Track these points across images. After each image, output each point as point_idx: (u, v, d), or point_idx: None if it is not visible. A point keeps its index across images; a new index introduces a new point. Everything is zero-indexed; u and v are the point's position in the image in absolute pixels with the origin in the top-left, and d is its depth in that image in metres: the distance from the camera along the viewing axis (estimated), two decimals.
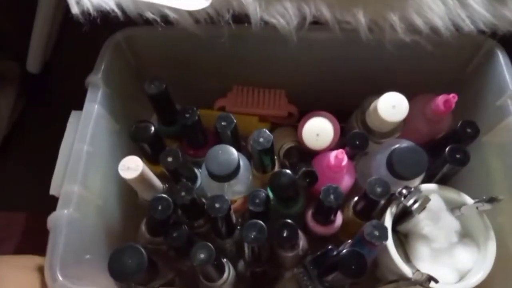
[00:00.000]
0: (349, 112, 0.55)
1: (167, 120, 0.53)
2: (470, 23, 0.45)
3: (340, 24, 0.46)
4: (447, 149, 0.45)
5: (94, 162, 0.46)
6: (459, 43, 0.47)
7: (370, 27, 0.46)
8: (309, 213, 0.49)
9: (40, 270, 0.43)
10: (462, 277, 0.45)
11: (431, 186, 0.47)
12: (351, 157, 0.50)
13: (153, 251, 0.48)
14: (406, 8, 0.45)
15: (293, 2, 0.45)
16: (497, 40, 0.48)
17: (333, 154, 0.46)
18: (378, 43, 0.47)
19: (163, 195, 0.43)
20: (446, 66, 0.53)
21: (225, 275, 0.47)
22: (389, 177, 0.45)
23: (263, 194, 0.44)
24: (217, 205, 0.43)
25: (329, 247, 0.47)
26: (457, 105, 0.46)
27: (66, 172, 0.44)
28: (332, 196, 0.43)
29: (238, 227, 0.49)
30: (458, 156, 0.45)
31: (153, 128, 0.47)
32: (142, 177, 0.44)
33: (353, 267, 0.39)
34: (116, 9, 0.44)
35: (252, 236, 0.41)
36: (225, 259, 0.48)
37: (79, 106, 0.48)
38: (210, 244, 0.41)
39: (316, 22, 0.47)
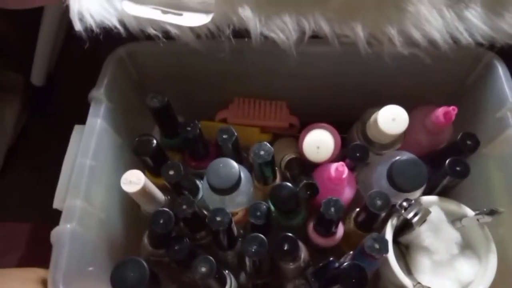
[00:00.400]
0: (350, 123, 0.56)
1: (169, 133, 0.53)
2: (468, 36, 0.45)
3: (339, 38, 0.47)
4: (447, 161, 0.45)
5: (96, 176, 0.46)
6: (458, 56, 0.47)
7: (368, 40, 0.46)
8: (311, 225, 0.50)
9: (44, 283, 0.43)
10: None
11: (432, 198, 0.47)
12: (352, 169, 0.50)
13: (156, 263, 0.49)
14: (404, 22, 0.46)
15: (292, 17, 0.45)
16: (496, 52, 0.49)
17: (333, 166, 0.46)
18: (377, 56, 0.48)
19: (165, 208, 0.44)
20: (446, 79, 0.53)
21: (227, 287, 0.47)
22: (389, 189, 0.45)
23: (264, 206, 0.45)
24: (218, 218, 0.43)
25: (331, 259, 0.47)
26: (457, 117, 0.47)
27: (69, 186, 0.44)
28: (332, 209, 0.43)
29: (240, 239, 0.49)
30: (458, 168, 0.45)
31: (155, 142, 0.47)
32: (144, 191, 0.44)
33: (353, 280, 0.39)
34: (118, 26, 0.45)
35: (253, 250, 0.41)
36: (226, 271, 0.49)
37: (83, 119, 0.49)
38: (211, 258, 0.42)
39: (316, 36, 0.47)
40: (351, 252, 0.46)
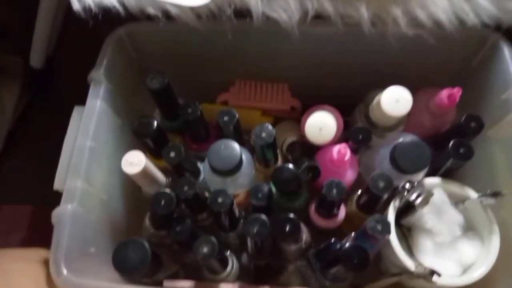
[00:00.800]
0: (353, 106, 0.55)
1: (169, 114, 0.53)
2: (474, 17, 0.44)
3: (342, 18, 0.46)
4: (451, 143, 0.45)
5: (97, 158, 0.46)
6: (463, 37, 0.46)
7: (372, 21, 0.46)
8: (312, 207, 0.50)
9: (46, 263, 0.43)
10: (465, 271, 0.45)
11: (435, 180, 0.47)
12: (354, 151, 0.50)
13: (157, 244, 0.49)
14: (409, 2, 0.45)
15: None
16: (502, 33, 0.48)
17: (336, 148, 0.46)
18: (381, 37, 0.47)
19: (166, 190, 0.44)
20: (451, 60, 0.52)
21: (229, 267, 0.47)
22: (392, 171, 0.45)
23: (265, 188, 0.45)
24: (219, 200, 0.43)
25: (332, 240, 0.47)
26: (461, 99, 0.46)
27: (69, 168, 0.44)
28: (334, 191, 0.43)
29: (242, 221, 0.49)
30: (462, 150, 0.45)
31: (155, 123, 0.47)
32: (145, 172, 0.44)
33: (355, 261, 0.39)
34: (117, 5, 0.44)
35: (255, 231, 0.41)
36: (228, 252, 0.49)
37: (83, 101, 0.48)
38: (213, 238, 0.42)
39: (319, 16, 0.46)
40: (353, 234, 0.46)
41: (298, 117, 0.57)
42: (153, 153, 0.50)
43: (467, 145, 0.45)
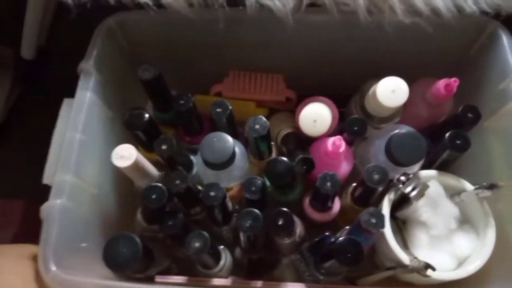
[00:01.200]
0: (349, 97, 0.54)
1: (162, 106, 0.52)
2: (473, 4, 0.43)
3: (338, 6, 0.45)
4: (447, 134, 0.44)
5: (87, 151, 0.45)
6: (461, 25, 0.45)
7: (369, 8, 0.45)
8: (307, 200, 0.49)
9: (35, 259, 0.42)
10: (460, 264, 0.45)
11: (431, 172, 0.46)
12: (349, 143, 0.49)
13: (150, 239, 0.48)
14: None
15: None
16: (501, 21, 0.47)
17: (330, 140, 0.45)
18: (377, 25, 0.46)
19: (158, 183, 0.43)
20: (448, 49, 0.51)
21: (222, 262, 0.47)
22: (387, 163, 0.44)
23: (259, 181, 0.44)
24: (212, 194, 0.42)
25: (326, 234, 0.46)
26: (458, 89, 0.45)
27: (58, 161, 0.43)
28: (329, 184, 0.42)
29: (235, 214, 0.48)
30: (458, 142, 0.44)
31: (147, 115, 0.46)
32: (136, 166, 0.43)
33: (349, 255, 0.39)
34: None
35: (247, 225, 0.40)
36: (222, 246, 0.48)
37: (75, 93, 0.47)
38: (205, 233, 0.41)
39: (313, 4, 0.45)
40: (347, 227, 0.45)
41: (293, 108, 0.56)
42: (145, 146, 0.49)
43: (464, 136, 0.44)
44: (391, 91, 0.44)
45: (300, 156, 0.47)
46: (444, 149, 0.44)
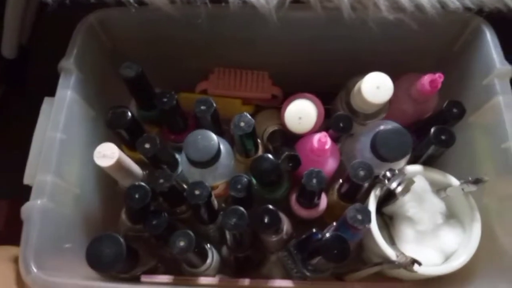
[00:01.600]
0: (335, 94, 0.54)
1: (145, 104, 0.51)
2: (456, 0, 0.43)
3: (321, 2, 0.44)
4: (432, 130, 0.44)
5: (68, 150, 0.44)
6: (445, 21, 0.45)
7: (352, 5, 0.44)
8: (293, 197, 0.49)
9: (17, 261, 0.42)
10: (447, 259, 0.45)
11: (416, 167, 0.46)
12: (335, 140, 0.49)
13: (135, 239, 0.48)
14: None
15: None
16: (484, 17, 0.47)
17: (316, 137, 0.45)
18: (361, 22, 0.46)
19: (141, 183, 0.42)
20: (432, 45, 0.51)
21: (208, 260, 0.46)
22: (373, 159, 0.44)
23: (245, 179, 0.43)
24: (197, 192, 0.42)
25: (313, 230, 0.46)
26: (444, 85, 0.45)
27: (39, 161, 0.42)
28: (314, 180, 0.42)
29: (221, 213, 0.48)
30: (443, 137, 0.44)
31: (130, 114, 0.45)
32: (118, 165, 0.43)
33: (335, 251, 0.38)
34: None
35: (232, 223, 0.40)
36: (208, 245, 0.48)
37: None
38: (189, 232, 0.41)
39: (297, 1, 0.45)
40: (335, 223, 0.45)
41: (279, 105, 0.55)
42: (129, 145, 0.49)
43: (449, 131, 0.44)
44: (376, 87, 0.44)
45: (286, 153, 0.47)
46: (429, 145, 0.44)
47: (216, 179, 0.47)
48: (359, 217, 0.40)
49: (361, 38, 0.49)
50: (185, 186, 0.47)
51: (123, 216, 0.47)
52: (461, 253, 0.43)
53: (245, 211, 0.41)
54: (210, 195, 0.43)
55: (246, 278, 0.45)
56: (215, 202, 0.46)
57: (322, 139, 0.44)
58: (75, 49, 0.47)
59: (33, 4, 0.68)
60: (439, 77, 0.45)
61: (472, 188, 0.43)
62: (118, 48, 0.53)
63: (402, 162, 0.46)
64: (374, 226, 0.43)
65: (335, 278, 0.48)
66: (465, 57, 0.50)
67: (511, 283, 0.41)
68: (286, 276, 0.48)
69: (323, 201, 0.48)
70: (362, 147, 0.46)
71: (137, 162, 0.47)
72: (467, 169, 0.48)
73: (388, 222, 0.47)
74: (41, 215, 0.40)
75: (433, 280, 0.44)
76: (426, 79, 0.46)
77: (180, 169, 0.50)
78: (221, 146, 0.45)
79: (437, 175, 0.46)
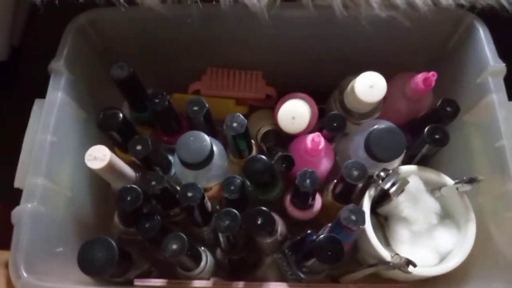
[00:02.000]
0: (329, 93, 0.54)
1: (137, 106, 0.50)
2: None
3: (313, 0, 0.44)
4: (426, 129, 0.44)
5: (59, 153, 0.44)
6: (438, 19, 0.45)
7: (344, 3, 0.44)
8: (288, 198, 0.48)
9: (7, 265, 0.41)
10: (442, 259, 0.45)
11: (410, 167, 0.46)
12: (329, 140, 0.48)
13: (128, 242, 0.47)
14: None
15: None
16: (476, 13, 0.47)
17: (309, 137, 0.44)
18: (354, 20, 0.45)
19: (132, 185, 0.42)
20: (426, 43, 0.51)
21: (203, 263, 0.46)
22: (367, 159, 0.44)
23: (238, 180, 0.43)
24: (189, 194, 0.41)
25: (308, 232, 0.46)
26: (437, 83, 0.45)
27: (29, 164, 0.42)
28: (308, 181, 0.42)
29: (215, 215, 0.47)
30: (437, 136, 0.44)
31: (121, 115, 0.45)
32: (110, 167, 0.42)
33: (329, 253, 0.38)
34: None
35: (225, 225, 0.40)
36: (202, 248, 0.47)
37: None
38: (182, 234, 0.40)
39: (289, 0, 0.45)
40: (329, 225, 0.45)
41: (273, 105, 0.55)
42: (121, 147, 0.48)
43: (443, 130, 0.44)
44: (369, 86, 0.44)
45: (280, 153, 0.46)
46: (423, 144, 0.44)
47: (210, 181, 0.47)
48: (353, 218, 0.39)
49: (354, 37, 0.48)
50: (178, 188, 0.47)
51: (116, 219, 0.47)
52: (456, 253, 0.43)
53: (238, 213, 0.40)
54: (203, 197, 0.42)
55: (240, 281, 0.44)
56: (209, 204, 0.46)
57: (316, 139, 0.44)
58: (65, 50, 0.46)
59: (24, 5, 0.67)
60: (432, 75, 0.44)
61: (467, 187, 0.42)
62: (109, 48, 0.52)
63: (396, 162, 0.45)
64: (368, 227, 0.43)
65: (330, 280, 0.48)
66: (458, 55, 0.50)
67: (507, 283, 0.41)
68: (281, 278, 0.48)
69: (318, 202, 0.48)
70: (356, 147, 0.46)
71: (130, 164, 0.46)
72: (462, 168, 0.48)
73: (383, 223, 0.47)
74: (32, 219, 0.40)
75: (429, 280, 0.44)
76: (420, 77, 0.45)
77: (173, 171, 0.49)
78: (214, 147, 0.44)
79: (432, 175, 0.46)
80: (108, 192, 0.49)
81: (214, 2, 0.43)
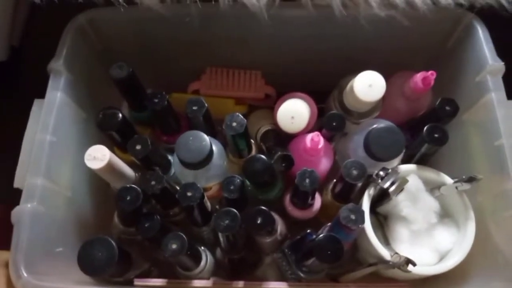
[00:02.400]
0: (328, 93, 0.54)
1: (137, 106, 0.50)
2: None
3: (312, 0, 0.44)
4: (425, 128, 0.44)
5: (59, 153, 0.44)
6: (437, 18, 0.45)
7: (343, 2, 0.44)
8: (287, 198, 0.48)
9: (7, 265, 0.41)
10: (442, 258, 0.45)
11: (410, 166, 0.46)
12: (329, 139, 0.48)
13: (128, 242, 0.47)
14: None
15: None
16: (475, 12, 0.47)
17: (309, 137, 0.44)
18: (353, 20, 0.45)
19: (132, 185, 0.42)
20: (425, 42, 0.51)
21: (202, 263, 0.46)
22: (366, 158, 0.44)
23: (238, 180, 0.43)
24: (189, 194, 0.41)
25: (308, 231, 0.46)
26: (436, 82, 0.45)
27: (29, 164, 0.42)
28: (307, 180, 0.42)
29: (215, 214, 0.47)
30: (436, 135, 0.44)
31: (120, 115, 0.45)
32: (110, 167, 0.42)
33: (329, 252, 0.38)
34: None
35: (225, 225, 0.40)
36: (202, 247, 0.47)
37: None
38: (182, 234, 0.40)
39: None
40: (329, 224, 0.45)
41: (273, 105, 0.55)
42: (120, 147, 0.48)
43: (442, 129, 0.44)
44: (368, 85, 0.44)
45: (279, 153, 0.46)
46: (423, 143, 0.44)
47: (209, 180, 0.47)
48: (353, 217, 0.39)
49: (353, 36, 0.48)
50: (177, 188, 0.47)
51: (116, 219, 0.47)
52: (455, 252, 0.43)
53: (237, 213, 0.40)
54: (203, 197, 0.42)
55: (240, 280, 0.44)
56: (208, 204, 0.46)
57: (315, 139, 0.44)
58: (65, 50, 0.46)
59: (23, 5, 0.67)
60: (431, 74, 0.45)
61: (466, 186, 0.43)
62: (109, 48, 0.52)
63: (396, 161, 0.45)
64: (368, 226, 0.43)
65: (330, 279, 0.48)
66: (457, 54, 0.50)
67: (506, 282, 0.41)
68: (281, 278, 0.48)
69: (317, 202, 0.48)
70: (355, 146, 0.46)
71: (130, 164, 0.46)
72: (461, 167, 0.48)
73: (382, 222, 0.47)
74: (32, 219, 0.40)
75: (428, 279, 0.44)
76: (419, 76, 0.45)
77: (172, 170, 0.49)
78: (214, 147, 0.44)
79: (431, 174, 0.46)
80: (107, 192, 0.49)
81: (213, 2, 0.43)
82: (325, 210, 0.49)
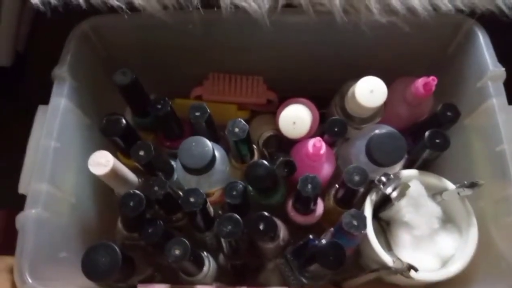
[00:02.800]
0: (330, 98, 0.54)
1: (140, 111, 0.51)
2: (448, 2, 0.43)
3: (314, 6, 0.44)
4: (426, 134, 0.44)
5: (63, 159, 0.44)
6: (438, 24, 0.45)
7: (345, 8, 0.44)
8: (289, 203, 0.48)
9: (12, 271, 0.41)
10: (444, 263, 0.45)
11: (411, 172, 0.46)
12: (331, 145, 0.49)
13: (132, 247, 0.47)
14: None
15: None
16: (476, 18, 0.47)
17: (311, 142, 0.45)
18: (354, 26, 0.46)
19: (135, 191, 0.42)
20: (426, 48, 0.51)
21: (205, 268, 0.46)
22: (368, 164, 0.44)
23: (240, 185, 0.43)
24: (191, 199, 0.42)
25: (310, 237, 0.46)
26: (438, 88, 0.45)
27: (33, 170, 0.42)
28: (309, 186, 0.42)
29: (217, 220, 0.48)
30: (438, 140, 0.44)
31: (124, 121, 0.45)
32: (113, 173, 0.42)
33: (331, 258, 0.38)
34: None
35: (227, 230, 0.40)
36: (205, 253, 0.47)
37: None
38: (184, 240, 0.40)
39: (290, 5, 0.45)
40: (331, 230, 0.45)
41: (275, 110, 0.55)
42: (124, 152, 0.48)
43: (443, 135, 0.44)
44: (369, 91, 0.44)
45: (281, 158, 0.47)
46: (424, 149, 0.44)
47: (212, 186, 0.47)
48: (355, 223, 0.40)
49: (354, 42, 0.49)
50: (180, 193, 0.47)
51: (119, 224, 0.47)
52: (458, 258, 0.43)
53: (240, 218, 0.40)
54: (205, 202, 0.42)
55: (243, 286, 0.44)
56: (211, 209, 0.46)
57: (317, 144, 0.44)
58: (69, 57, 0.47)
59: (28, 11, 0.68)
60: (432, 80, 0.45)
61: (468, 192, 0.43)
62: (112, 55, 0.53)
63: (397, 166, 0.45)
64: (370, 231, 0.43)
65: (332, 285, 0.48)
66: (458, 59, 0.50)
67: (509, 287, 0.40)
68: (284, 283, 0.48)
69: (320, 207, 0.48)
70: (357, 151, 0.46)
71: (133, 169, 0.47)
72: (463, 173, 0.48)
73: (384, 228, 0.47)
74: (36, 225, 0.40)
75: (431, 285, 0.44)
76: (420, 82, 0.45)
77: (175, 176, 0.50)
78: (216, 153, 0.44)
79: (433, 179, 0.46)
80: (111, 198, 0.49)
81: (215, 9, 0.44)
82: (327, 216, 0.49)
